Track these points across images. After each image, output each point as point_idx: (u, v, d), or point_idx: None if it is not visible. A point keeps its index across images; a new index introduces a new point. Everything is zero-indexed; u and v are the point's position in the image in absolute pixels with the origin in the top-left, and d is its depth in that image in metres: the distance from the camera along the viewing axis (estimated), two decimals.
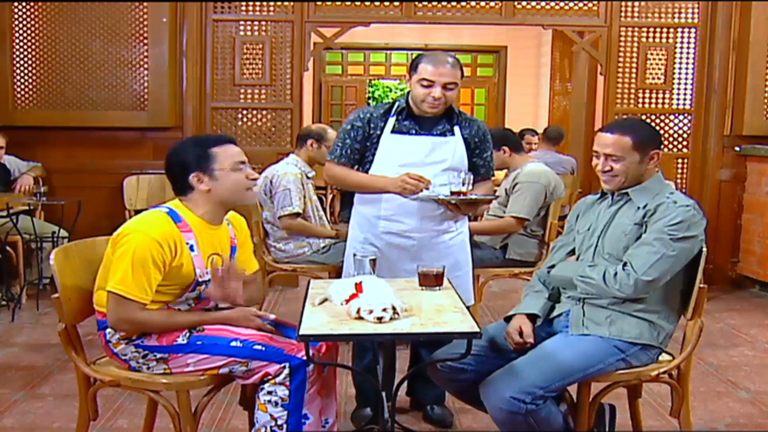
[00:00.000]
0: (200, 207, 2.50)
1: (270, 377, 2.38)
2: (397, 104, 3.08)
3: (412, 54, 9.43)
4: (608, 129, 2.63)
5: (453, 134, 3.06)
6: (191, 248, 2.43)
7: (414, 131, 3.05)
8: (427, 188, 2.93)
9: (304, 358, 2.33)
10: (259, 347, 2.40)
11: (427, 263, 2.73)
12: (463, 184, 2.98)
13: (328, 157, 3.20)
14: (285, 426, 2.38)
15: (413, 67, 3.00)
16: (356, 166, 3.13)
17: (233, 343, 2.40)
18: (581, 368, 2.45)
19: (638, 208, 2.55)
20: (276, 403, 2.38)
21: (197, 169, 2.47)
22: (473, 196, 3.00)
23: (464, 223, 3.21)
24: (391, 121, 3.05)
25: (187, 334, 2.42)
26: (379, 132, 3.06)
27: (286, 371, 2.37)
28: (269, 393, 2.38)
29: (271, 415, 2.38)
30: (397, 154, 3.03)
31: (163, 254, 2.36)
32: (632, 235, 2.52)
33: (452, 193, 2.98)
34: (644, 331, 2.50)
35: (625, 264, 2.48)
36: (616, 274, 2.47)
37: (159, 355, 2.42)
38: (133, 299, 2.33)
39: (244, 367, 2.40)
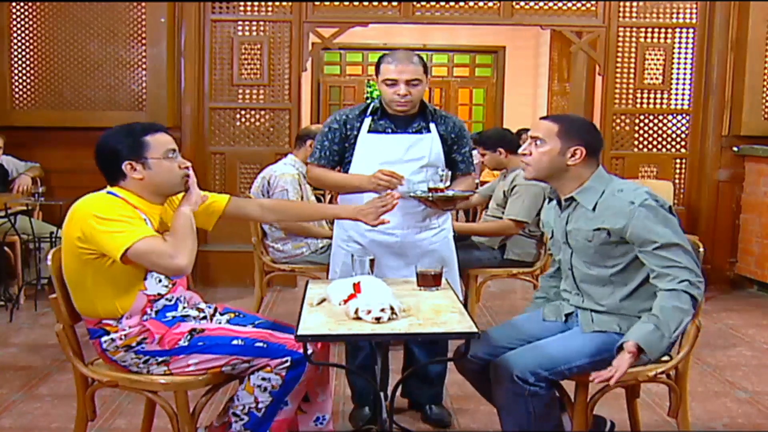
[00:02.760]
0: (136, 193, 2.44)
1: (268, 367, 2.39)
2: (372, 105, 3.11)
3: None
4: (546, 117, 2.63)
5: (429, 131, 3.08)
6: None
7: (390, 130, 3.06)
8: (401, 184, 2.94)
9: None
10: (260, 344, 2.40)
11: (410, 260, 2.72)
12: (441, 181, 2.99)
13: (309, 159, 3.22)
14: (264, 410, 2.39)
15: (376, 68, 3.03)
16: (337, 168, 3.16)
17: (235, 342, 2.40)
18: (588, 353, 2.44)
19: (590, 209, 2.48)
20: (265, 389, 2.39)
21: (130, 157, 2.41)
22: (450, 193, 3.00)
23: (447, 219, 3.22)
24: (367, 121, 3.08)
25: (189, 337, 2.41)
26: (356, 132, 3.09)
27: (287, 364, 2.37)
28: (263, 379, 2.39)
29: (255, 398, 2.39)
30: (375, 153, 3.04)
31: (125, 208, 2.33)
32: (597, 241, 2.46)
33: (429, 189, 2.99)
34: None
35: (671, 280, 2.36)
36: (684, 291, 2.34)
37: (161, 359, 2.41)
38: (150, 240, 2.26)
39: (246, 364, 2.40)
